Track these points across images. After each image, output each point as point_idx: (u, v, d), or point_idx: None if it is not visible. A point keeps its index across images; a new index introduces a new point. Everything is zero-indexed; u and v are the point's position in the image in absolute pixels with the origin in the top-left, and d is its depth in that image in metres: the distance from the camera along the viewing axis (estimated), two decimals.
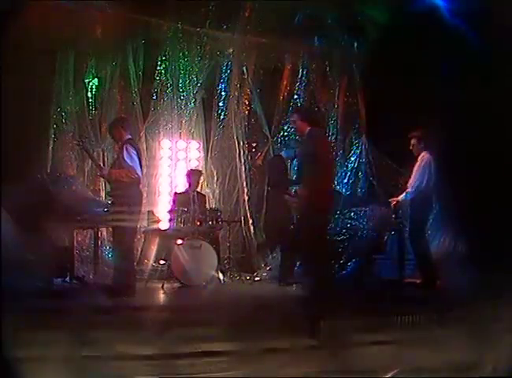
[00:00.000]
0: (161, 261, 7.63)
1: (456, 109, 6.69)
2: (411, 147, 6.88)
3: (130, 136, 6.31)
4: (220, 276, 7.21)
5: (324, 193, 5.52)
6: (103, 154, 7.99)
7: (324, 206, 5.59)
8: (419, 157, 6.78)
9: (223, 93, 8.66)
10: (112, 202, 6.34)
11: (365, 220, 6.78)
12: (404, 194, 6.88)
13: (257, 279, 7.80)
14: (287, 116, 8.68)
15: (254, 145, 8.92)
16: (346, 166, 9.09)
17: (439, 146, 6.71)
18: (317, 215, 5.41)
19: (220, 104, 8.61)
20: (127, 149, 6.08)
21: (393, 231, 7.13)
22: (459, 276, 6.20)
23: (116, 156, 6.46)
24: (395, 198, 6.93)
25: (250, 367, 3.41)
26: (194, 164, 8.61)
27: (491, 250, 6.13)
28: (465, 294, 5.35)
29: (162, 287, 6.89)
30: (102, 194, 7.78)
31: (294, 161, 7.49)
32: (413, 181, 6.74)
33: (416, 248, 6.70)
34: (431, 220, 7.27)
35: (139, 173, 6.14)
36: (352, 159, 9.12)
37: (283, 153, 7.34)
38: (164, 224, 7.74)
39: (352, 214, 6.80)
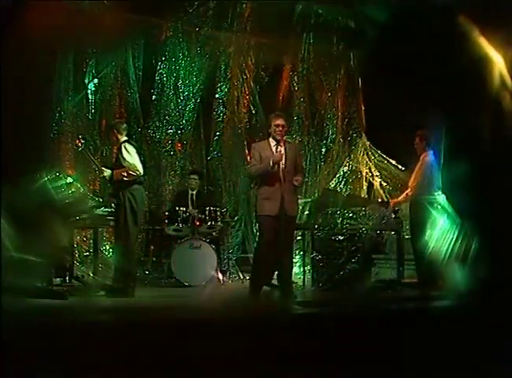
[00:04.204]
0: (161, 261, 7.63)
1: (456, 109, 6.66)
2: (415, 145, 6.85)
3: (126, 138, 6.35)
4: (220, 276, 7.21)
5: None
6: (104, 154, 7.99)
7: None
8: (421, 158, 6.75)
9: (223, 93, 8.66)
10: (112, 202, 6.35)
11: (365, 220, 6.78)
12: (404, 194, 6.87)
13: None
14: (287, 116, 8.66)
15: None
16: (347, 166, 9.08)
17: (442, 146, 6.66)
18: None
19: (220, 104, 8.61)
20: (125, 147, 6.13)
21: (393, 231, 7.13)
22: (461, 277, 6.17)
23: (115, 157, 6.47)
24: (394, 199, 6.93)
25: (250, 366, 3.41)
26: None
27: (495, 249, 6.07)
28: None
29: (162, 287, 6.89)
30: (103, 194, 7.78)
31: None
32: (413, 182, 6.73)
33: (416, 248, 6.68)
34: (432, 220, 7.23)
35: (141, 169, 6.15)
36: (352, 159, 9.11)
37: None
38: (164, 224, 7.74)
39: (352, 214, 6.80)
